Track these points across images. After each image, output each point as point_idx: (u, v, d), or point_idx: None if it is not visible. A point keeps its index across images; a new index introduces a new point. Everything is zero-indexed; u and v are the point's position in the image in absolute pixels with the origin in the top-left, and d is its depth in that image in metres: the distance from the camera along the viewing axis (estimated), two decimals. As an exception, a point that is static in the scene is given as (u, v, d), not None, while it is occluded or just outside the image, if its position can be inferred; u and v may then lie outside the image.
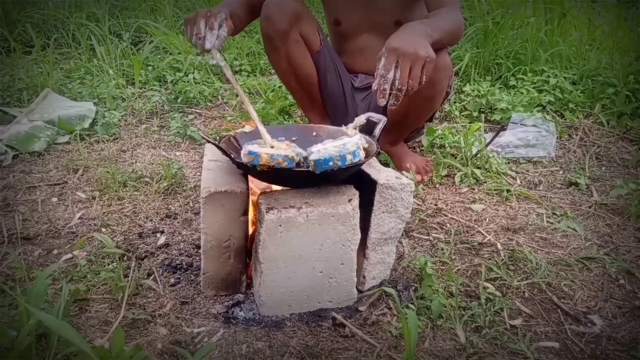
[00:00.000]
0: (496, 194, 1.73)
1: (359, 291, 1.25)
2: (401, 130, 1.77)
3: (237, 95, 2.46)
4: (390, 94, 1.13)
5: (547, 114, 2.28)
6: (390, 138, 1.77)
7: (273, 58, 1.76)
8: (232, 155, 1.15)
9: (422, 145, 2.00)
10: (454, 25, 1.37)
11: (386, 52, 1.14)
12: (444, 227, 1.55)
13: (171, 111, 2.33)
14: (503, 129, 2.11)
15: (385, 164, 1.75)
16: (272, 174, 1.13)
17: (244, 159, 1.10)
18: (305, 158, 1.13)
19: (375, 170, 1.26)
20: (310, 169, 1.08)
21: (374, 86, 1.16)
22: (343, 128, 1.32)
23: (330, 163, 1.06)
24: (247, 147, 1.12)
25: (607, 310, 1.23)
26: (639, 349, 1.09)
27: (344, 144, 1.13)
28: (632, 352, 1.10)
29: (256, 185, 1.30)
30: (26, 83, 2.42)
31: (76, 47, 2.88)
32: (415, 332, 1.00)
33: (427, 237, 1.50)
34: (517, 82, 2.46)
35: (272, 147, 1.17)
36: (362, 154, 1.11)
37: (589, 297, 1.27)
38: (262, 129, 1.23)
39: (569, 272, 1.35)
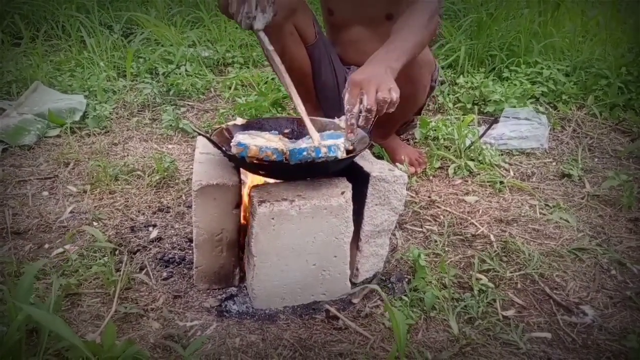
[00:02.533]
0: (489, 185, 1.73)
1: (353, 284, 1.25)
2: (389, 125, 1.77)
3: (229, 87, 2.44)
4: (359, 116, 1.13)
5: (541, 106, 2.28)
6: (380, 132, 1.77)
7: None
8: (224, 148, 1.14)
9: (416, 138, 2.00)
10: (424, 33, 1.33)
11: (349, 86, 1.14)
12: (437, 219, 1.55)
13: (163, 104, 2.31)
14: (496, 120, 2.10)
15: (379, 157, 1.75)
16: (260, 166, 1.12)
17: (233, 149, 1.10)
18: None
19: (368, 162, 1.25)
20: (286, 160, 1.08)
21: (343, 123, 1.17)
22: (336, 120, 1.31)
23: (304, 153, 1.07)
24: (237, 139, 1.12)
25: (599, 300, 1.24)
26: (629, 338, 1.10)
27: (325, 144, 1.13)
28: (623, 341, 1.11)
29: (249, 177, 1.29)
30: (15, 75, 2.39)
31: (66, 39, 2.84)
32: (404, 325, 1.00)
33: (421, 229, 1.50)
34: (510, 74, 2.46)
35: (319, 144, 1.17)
36: (339, 152, 1.10)
37: (581, 288, 1.28)
38: (308, 123, 1.21)
39: (561, 263, 1.36)
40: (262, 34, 1.25)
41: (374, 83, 1.12)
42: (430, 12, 1.34)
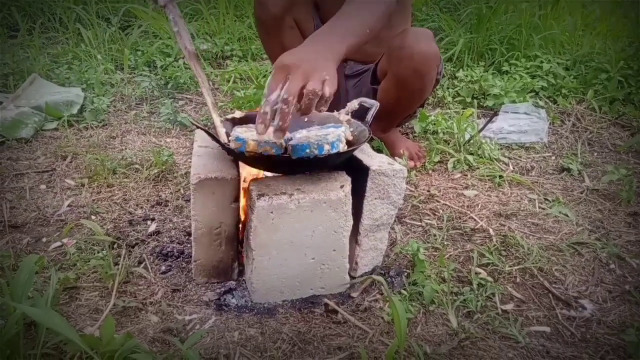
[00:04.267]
0: (489, 179, 1.73)
1: (352, 277, 1.25)
2: (392, 118, 1.76)
3: (228, 81, 2.43)
4: (275, 112, 0.93)
5: (540, 100, 2.27)
6: (382, 125, 1.76)
7: (266, 43, 1.73)
8: (222, 141, 1.14)
9: (415, 132, 1.99)
10: (375, 14, 1.13)
11: (274, 70, 0.94)
12: (436, 213, 1.54)
13: (161, 97, 2.30)
14: (496, 114, 2.10)
15: (379, 150, 1.74)
16: (259, 160, 1.12)
17: (232, 144, 1.09)
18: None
19: (368, 156, 1.25)
20: (287, 154, 1.07)
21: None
22: (335, 113, 1.30)
23: (307, 150, 1.05)
24: (235, 133, 1.11)
25: (598, 294, 1.24)
26: (628, 332, 1.10)
27: (326, 134, 1.12)
28: (622, 335, 1.11)
29: (248, 171, 1.29)
30: (12, 68, 2.37)
31: (63, 32, 2.82)
32: (405, 318, 1.00)
33: (420, 223, 1.50)
34: (510, 68, 2.45)
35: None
36: (341, 146, 1.09)
37: (580, 282, 1.28)
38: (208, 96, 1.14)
39: (561, 257, 1.36)
40: (168, 10, 1.13)
41: (303, 70, 0.91)
42: None
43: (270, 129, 0.95)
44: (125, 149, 1.88)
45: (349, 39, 1.04)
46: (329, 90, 0.93)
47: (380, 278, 1.14)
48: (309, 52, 0.97)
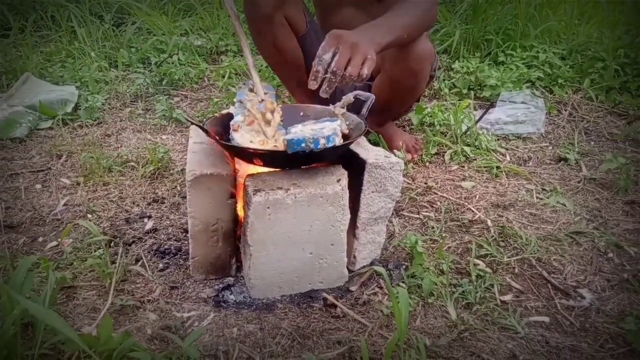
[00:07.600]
0: (486, 171, 1.72)
1: (350, 271, 1.24)
2: (387, 113, 1.76)
3: (223, 76, 2.42)
4: (324, 78, 1.08)
5: (536, 90, 2.26)
6: (378, 119, 1.75)
7: (258, 42, 1.71)
8: (217, 137, 1.13)
9: (412, 124, 1.98)
10: (421, 17, 1.32)
11: (327, 37, 1.10)
12: (434, 206, 1.54)
13: (156, 94, 2.28)
14: (492, 105, 2.09)
15: (375, 144, 1.73)
16: (255, 155, 1.11)
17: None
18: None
19: (364, 149, 1.24)
20: (283, 148, 1.06)
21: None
22: (331, 107, 1.29)
23: (303, 145, 1.05)
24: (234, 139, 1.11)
25: (596, 283, 1.24)
26: (627, 320, 1.10)
27: (322, 128, 1.11)
28: (621, 324, 1.11)
29: (244, 167, 1.28)
30: (5, 67, 2.35)
31: (56, 30, 2.80)
32: (406, 310, 0.99)
33: (418, 215, 1.50)
34: (506, 58, 2.44)
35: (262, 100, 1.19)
36: (337, 140, 1.09)
37: (579, 271, 1.28)
38: (256, 78, 1.21)
39: (559, 247, 1.36)
40: None
41: (350, 45, 1.07)
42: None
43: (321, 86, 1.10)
44: (121, 146, 1.87)
45: (390, 36, 1.21)
46: (366, 71, 1.09)
47: (381, 269, 1.14)
48: (357, 34, 1.13)
